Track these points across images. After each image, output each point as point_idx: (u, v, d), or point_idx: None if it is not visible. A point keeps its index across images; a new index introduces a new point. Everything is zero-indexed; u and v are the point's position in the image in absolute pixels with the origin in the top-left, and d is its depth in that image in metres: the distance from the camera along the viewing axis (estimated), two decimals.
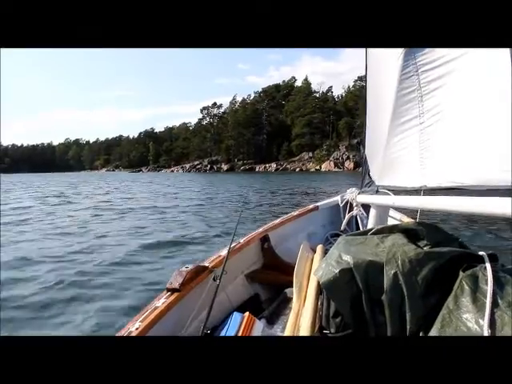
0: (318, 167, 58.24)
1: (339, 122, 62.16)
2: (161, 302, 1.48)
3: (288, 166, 62.16)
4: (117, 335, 1.28)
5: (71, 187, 24.33)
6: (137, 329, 1.29)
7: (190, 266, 1.68)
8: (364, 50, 2.06)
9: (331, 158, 58.11)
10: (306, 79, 75.76)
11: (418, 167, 1.62)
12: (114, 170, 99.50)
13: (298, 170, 59.30)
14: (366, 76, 2.11)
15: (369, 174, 2.24)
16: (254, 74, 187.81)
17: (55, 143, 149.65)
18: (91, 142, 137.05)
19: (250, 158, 69.55)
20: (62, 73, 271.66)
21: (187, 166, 75.39)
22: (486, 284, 1.05)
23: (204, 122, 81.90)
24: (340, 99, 69.14)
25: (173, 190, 19.63)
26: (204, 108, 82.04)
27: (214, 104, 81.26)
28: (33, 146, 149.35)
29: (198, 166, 73.03)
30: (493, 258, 1.18)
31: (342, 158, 57.33)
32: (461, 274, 1.14)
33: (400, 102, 1.68)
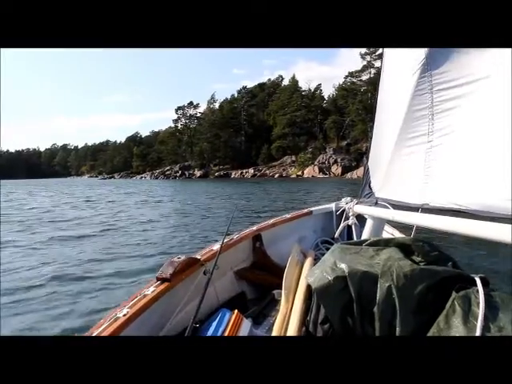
0: (300, 173, 49.73)
1: (326, 121, 53.85)
2: (150, 290, 1.47)
3: (267, 172, 53.74)
4: (103, 335, 1.18)
5: None
6: (124, 315, 1.27)
7: (182, 257, 1.67)
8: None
9: (316, 163, 49.47)
10: (293, 77, 64.43)
11: (421, 185, 1.63)
12: (97, 176, 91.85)
13: (277, 175, 51.00)
14: (378, 88, 2.12)
15: (369, 185, 2.25)
16: (249, 78, 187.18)
17: (42, 149, 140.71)
18: (79, 147, 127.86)
19: (226, 163, 60.75)
20: (57, 78, 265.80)
21: (156, 172, 66.43)
22: (478, 307, 1.06)
23: (179, 124, 69.81)
24: (330, 98, 59.50)
25: None
26: (179, 108, 69.22)
27: (190, 103, 69.06)
28: (18, 151, 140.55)
29: (168, 172, 63.90)
30: (484, 282, 1.19)
31: (329, 162, 48.47)
32: (453, 294, 1.15)
33: (410, 118, 1.69)
